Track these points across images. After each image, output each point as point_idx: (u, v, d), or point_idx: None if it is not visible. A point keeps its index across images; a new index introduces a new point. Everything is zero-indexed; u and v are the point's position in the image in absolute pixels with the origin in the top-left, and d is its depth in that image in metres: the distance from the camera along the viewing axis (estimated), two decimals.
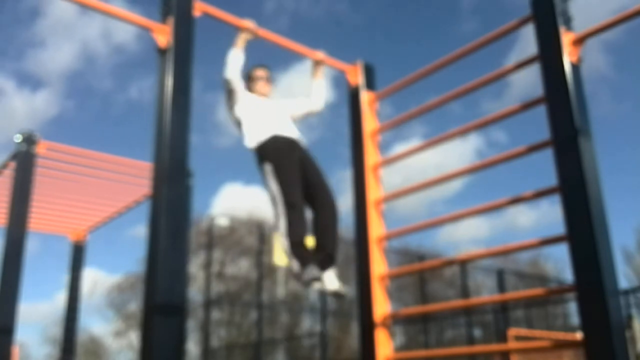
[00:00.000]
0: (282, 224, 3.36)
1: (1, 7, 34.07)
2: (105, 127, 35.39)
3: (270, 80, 3.90)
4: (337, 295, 3.45)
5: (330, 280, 3.39)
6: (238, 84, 3.67)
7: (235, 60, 3.64)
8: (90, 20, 32.82)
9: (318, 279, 3.27)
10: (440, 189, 28.07)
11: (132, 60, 33.50)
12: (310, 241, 3.47)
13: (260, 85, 3.85)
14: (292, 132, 3.70)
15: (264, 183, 3.54)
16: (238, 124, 3.74)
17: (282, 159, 3.51)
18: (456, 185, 28.35)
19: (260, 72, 3.88)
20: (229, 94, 3.69)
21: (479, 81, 3.52)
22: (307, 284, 3.27)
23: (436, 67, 3.78)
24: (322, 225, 3.50)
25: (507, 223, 32.42)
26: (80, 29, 33.53)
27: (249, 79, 3.85)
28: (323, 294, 13.87)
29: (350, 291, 3.63)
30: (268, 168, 3.50)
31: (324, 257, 3.43)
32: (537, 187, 3.13)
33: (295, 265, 3.32)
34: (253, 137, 3.62)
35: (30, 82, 37.63)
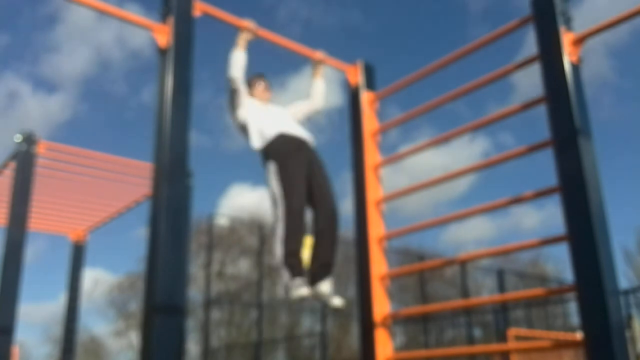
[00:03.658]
0: (280, 230, 3.31)
1: (20, 14, 34.23)
2: (118, 131, 35.48)
3: (269, 87, 3.94)
4: (332, 307, 3.41)
5: (326, 292, 3.34)
6: (241, 84, 3.68)
7: (238, 60, 3.65)
8: (106, 26, 32.88)
9: (304, 298, 3.21)
10: (445, 191, 28.06)
11: (146, 65, 33.49)
12: (308, 242, 3.44)
13: (261, 91, 3.88)
14: (300, 131, 3.68)
15: (267, 182, 3.49)
16: (242, 127, 3.72)
17: (288, 159, 3.45)
18: (461, 187, 28.26)
19: (259, 80, 3.92)
20: (232, 94, 3.69)
21: (480, 80, 3.52)
22: (293, 298, 3.22)
23: (437, 66, 3.78)
24: (321, 232, 3.45)
25: (513, 225, 32.35)
26: (96, 34, 33.59)
27: (249, 86, 3.87)
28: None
29: (350, 292, 3.63)
30: (272, 167, 3.45)
31: (319, 267, 3.39)
32: (541, 189, 3.12)
33: (286, 275, 3.28)
34: (259, 137, 3.59)
35: (45, 86, 37.62)
